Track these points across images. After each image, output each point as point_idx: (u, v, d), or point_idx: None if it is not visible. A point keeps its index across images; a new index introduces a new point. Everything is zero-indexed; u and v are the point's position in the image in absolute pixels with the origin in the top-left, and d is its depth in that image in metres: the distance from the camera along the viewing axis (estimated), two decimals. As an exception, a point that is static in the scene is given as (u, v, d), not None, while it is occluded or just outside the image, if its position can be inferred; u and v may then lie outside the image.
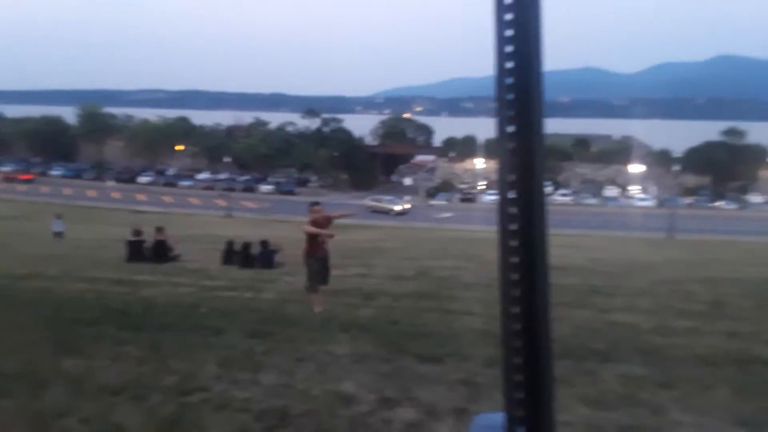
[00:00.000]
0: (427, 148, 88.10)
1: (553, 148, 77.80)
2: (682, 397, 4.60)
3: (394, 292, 8.55)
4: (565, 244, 22.98)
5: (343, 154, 70.22)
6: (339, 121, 79.30)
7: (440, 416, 4.19)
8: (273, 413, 4.27)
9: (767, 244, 26.76)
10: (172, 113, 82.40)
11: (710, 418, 4.19)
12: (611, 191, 68.71)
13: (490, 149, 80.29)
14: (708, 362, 5.49)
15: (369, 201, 52.21)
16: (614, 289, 9.58)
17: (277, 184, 67.30)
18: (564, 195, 65.24)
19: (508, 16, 0.74)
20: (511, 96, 0.76)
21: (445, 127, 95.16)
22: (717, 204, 60.49)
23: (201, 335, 6.01)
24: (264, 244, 12.28)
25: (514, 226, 0.82)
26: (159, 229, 13.14)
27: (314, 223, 7.83)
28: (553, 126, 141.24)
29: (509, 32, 0.74)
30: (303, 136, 74.09)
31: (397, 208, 50.83)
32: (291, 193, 64.73)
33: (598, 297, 8.86)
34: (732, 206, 59.49)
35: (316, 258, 7.74)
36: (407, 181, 78.27)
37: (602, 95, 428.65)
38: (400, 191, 68.13)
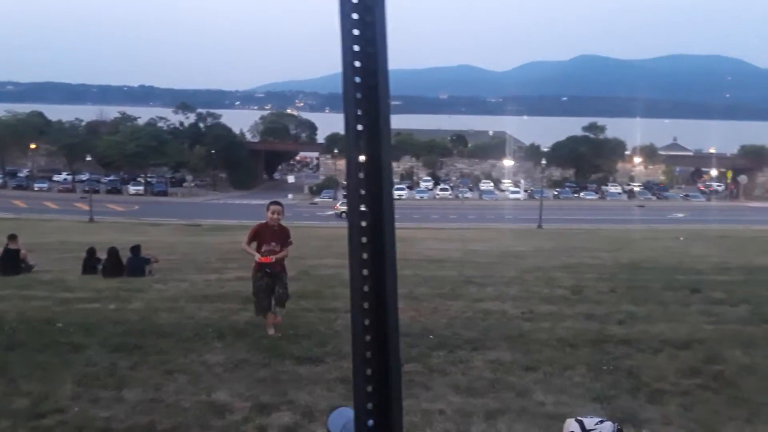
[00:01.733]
0: (311, 144, 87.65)
1: (434, 143, 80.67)
2: (545, 378, 4.91)
3: (275, 294, 8.36)
4: (444, 237, 23.90)
5: (222, 151, 67.78)
6: (216, 116, 76.55)
7: (318, 417, 4.15)
8: (138, 431, 4.01)
9: (623, 231, 29.49)
10: (24, 108, 74.96)
11: (568, 397, 4.51)
12: (487, 185, 72.43)
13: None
14: (568, 344, 5.91)
15: (341, 206, 48.63)
16: (487, 279, 10.07)
17: (147, 184, 63.68)
18: (444, 189, 67.68)
19: (354, 16, 0.74)
20: (359, 95, 0.76)
21: (328, 123, 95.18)
22: (580, 195, 65.93)
23: (57, 353, 5.49)
24: (134, 249, 11.49)
25: (363, 223, 0.82)
26: (11, 237, 11.86)
27: (264, 231, 6.25)
28: (434, 122, 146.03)
29: (356, 31, 0.74)
30: (176, 132, 70.60)
31: None
32: (164, 194, 61.47)
33: (472, 287, 9.26)
34: (593, 197, 65.13)
35: (263, 272, 6.21)
36: (290, 178, 77.41)
37: (478, 92, 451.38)
38: (282, 189, 67.18)
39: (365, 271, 0.88)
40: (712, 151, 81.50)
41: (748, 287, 8.88)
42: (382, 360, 0.92)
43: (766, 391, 4.49)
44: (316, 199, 59.23)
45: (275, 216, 6.25)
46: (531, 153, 76.03)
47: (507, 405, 4.35)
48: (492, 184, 73.14)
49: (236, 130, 77.67)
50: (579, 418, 2.09)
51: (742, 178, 65.26)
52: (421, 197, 62.70)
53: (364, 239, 0.86)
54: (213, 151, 66.70)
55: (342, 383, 4.75)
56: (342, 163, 76.71)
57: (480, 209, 49.42)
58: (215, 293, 8.65)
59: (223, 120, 76.56)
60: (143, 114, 75.23)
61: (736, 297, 8.03)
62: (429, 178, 75.23)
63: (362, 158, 0.85)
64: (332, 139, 75.83)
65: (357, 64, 0.76)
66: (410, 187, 68.89)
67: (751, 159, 70.80)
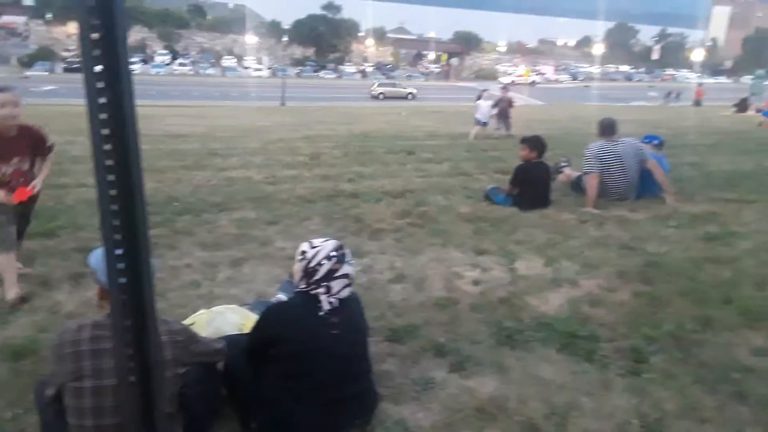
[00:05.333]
0: (14, 7, 72.33)
1: (169, 13, 73.27)
2: (285, 229, 5.45)
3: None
4: (186, 114, 22.73)
5: None
6: None
7: (55, 284, 4.06)
8: None
9: (357, 107, 31.52)
10: None
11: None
12: (229, 61, 69.47)
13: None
14: (306, 200, 6.55)
15: (377, 87, 47.12)
16: (231, 151, 10.20)
17: None
18: (183, 65, 63.03)
19: None
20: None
21: (30, -19, 78.60)
22: (320, 74, 67.63)
23: None
24: None
25: (103, 99, 0.88)
26: None
27: None
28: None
29: None
30: None
31: (414, 90, 48.05)
32: None
33: (216, 158, 9.33)
34: (331, 75, 67.38)
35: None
36: (-11, 47, 63.56)
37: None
38: (-22, 60, 55.09)
39: (107, 146, 0.96)
40: (432, 35, 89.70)
41: (450, 149, 10.65)
42: (131, 235, 1.04)
43: (456, 223, 5.67)
44: (28, 73, 49.95)
45: (6, 111, 3.64)
46: (272, 29, 74.35)
47: (251, 253, 4.77)
48: (235, 60, 70.34)
49: None
50: (310, 239, 2.53)
51: (454, 61, 74.00)
52: (157, 72, 57.48)
53: (103, 115, 0.93)
54: None
55: (78, 252, 4.62)
56: (59, 31, 65.31)
57: (223, 86, 47.53)
58: None
59: None
60: None
61: (441, 156, 9.62)
62: (166, 51, 68.92)
63: (95, 35, 0.86)
64: (44, 1, 63.17)
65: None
66: (144, 61, 62.53)
67: (462, 44, 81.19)
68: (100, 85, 0.83)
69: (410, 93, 48.40)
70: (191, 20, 76.66)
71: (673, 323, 3.44)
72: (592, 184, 6.14)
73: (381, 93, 46.56)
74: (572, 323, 3.45)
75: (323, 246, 2.42)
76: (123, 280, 1.03)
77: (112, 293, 1.04)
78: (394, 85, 49.53)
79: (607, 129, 6.38)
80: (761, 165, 8.76)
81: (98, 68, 0.82)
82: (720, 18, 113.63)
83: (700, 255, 4.65)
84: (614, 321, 3.54)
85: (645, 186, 6.44)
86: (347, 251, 2.47)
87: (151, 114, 19.62)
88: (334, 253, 2.39)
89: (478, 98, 14.66)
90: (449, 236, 5.25)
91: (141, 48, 68.99)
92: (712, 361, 3.05)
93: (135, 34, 69.41)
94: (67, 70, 52.14)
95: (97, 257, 2.14)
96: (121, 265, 1.00)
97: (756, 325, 3.47)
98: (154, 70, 58.48)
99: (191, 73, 60.78)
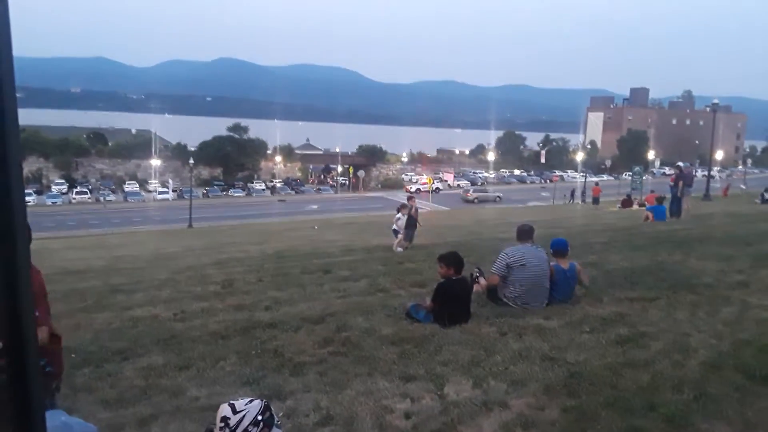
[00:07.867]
0: None
1: (68, 142, 71.94)
2: (198, 374, 5.05)
3: None
4: (85, 245, 21.66)
5: None
6: None
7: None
8: None
9: (267, 224, 31.39)
10: None
11: (221, 386, 4.75)
12: (132, 186, 68.15)
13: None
14: (220, 336, 6.16)
15: (473, 192, 59.35)
16: (136, 285, 9.63)
17: None
18: (82, 193, 61.00)
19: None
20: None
21: None
22: (228, 192, 67.70)
23: None
24: None
25: None
26: None
27: None
28: (66, 118, 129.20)
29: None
30: None
31: (500, 194, 59.23)
32: None
33: (119, 296, 8.75)
34: (240, 194, 67.54)
35: None
36: None
37: (117, 88, 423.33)
38: None
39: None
40: (338, 150, 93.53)
41: (367, 264, 10.63)
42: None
43: (380, 348, 5.53)
44: None
45: None
46: (178, 152, 74.51)
47: (160, 408, 4.35)
48: (137, 185, 69.12)
49: None
50: (231, 401, 2.31)
51: (361, 173, 76.93)
52: (53, 203, 55.10)
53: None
54: None
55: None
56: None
57: (125, 212, 46.12)
58: None
59: None
60: None
61: (358, 273, 9.53)
62: (62, 180, 66.73)
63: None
64: None
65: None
66: (39, 192, 60.10)
67: (367, 156, 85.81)
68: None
69: (498, 196, 58.36)
70: (91, 147, 75.29)
71: (605, 440, 3.42)
72: (492, 280, 6.73)
73: (476, 197, 56.92)
74: (509, 453, 3.34)
75: (248, 409, 2.21)
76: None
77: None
78: (485, 191, 61.57)
79: (524, 234, 6.93)
80: (655, 260, 9.35)
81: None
82: (595, 122, 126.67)
83: (617, 360, 4.77)
84: (549, 444, 3.46)
85: (551, 292, 6.72)
86: (274, 412, 2.28)
87: (46, 248, 18.47)
88: (260, 418, 2.19)
89: (399, 211, 14.09)
90: (375, 363, 5.08)
91: (37, 178, 66.48)
92: (650, 480, 3.01)
93: (30, 165, 67.00)
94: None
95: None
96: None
97: (681, 431, 3.52)
98: (50, 201, 56.01)
99: (90, 200, 58.77)
